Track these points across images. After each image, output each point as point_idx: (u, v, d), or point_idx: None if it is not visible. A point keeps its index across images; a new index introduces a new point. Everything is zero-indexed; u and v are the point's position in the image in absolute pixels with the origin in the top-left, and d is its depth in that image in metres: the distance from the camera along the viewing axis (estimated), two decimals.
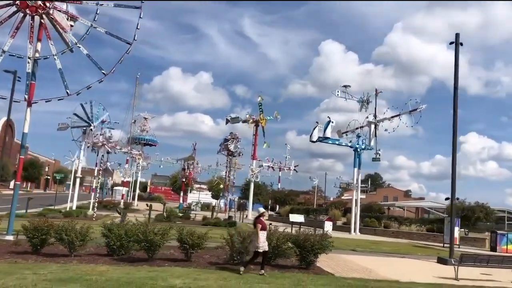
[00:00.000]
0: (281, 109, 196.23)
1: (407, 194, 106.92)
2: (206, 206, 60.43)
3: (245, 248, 12.46)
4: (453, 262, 13.87)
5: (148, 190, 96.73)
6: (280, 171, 68.58)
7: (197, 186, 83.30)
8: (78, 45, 16.06)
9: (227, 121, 48.17)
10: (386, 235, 33.62)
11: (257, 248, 11.31)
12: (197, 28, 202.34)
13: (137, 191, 62.46)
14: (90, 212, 30.11)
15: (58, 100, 15.29)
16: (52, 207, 33.82)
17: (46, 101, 15.24)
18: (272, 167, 69.38)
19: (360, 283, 11.50)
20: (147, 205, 26.20)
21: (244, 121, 48.10)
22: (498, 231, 28.44)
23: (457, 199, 22.64)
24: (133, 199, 62.54)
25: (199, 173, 68.75)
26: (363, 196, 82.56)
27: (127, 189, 65.21)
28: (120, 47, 17.36)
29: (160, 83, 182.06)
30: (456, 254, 17.07)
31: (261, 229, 11.43)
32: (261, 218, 11.69)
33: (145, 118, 60.15)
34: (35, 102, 15.04)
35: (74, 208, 33.36)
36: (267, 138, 50.88)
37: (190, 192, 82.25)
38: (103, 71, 15.91)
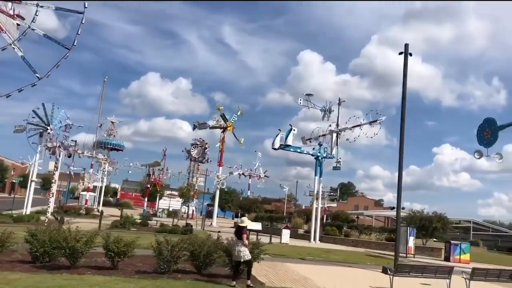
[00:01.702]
0: (259, 117, 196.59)
1: (378, 204, 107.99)
2: (174, 213, 59.72)
3: (173, 257, 12.18)
4: (388, 272, 13.78)
5: (118, 195, 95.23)
6: (250, 178, 68.42)
7: (169, 192, 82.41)
8: (13, 46, 15.56)
9: (194, 127, 47.74)
10: (345, 243, 33.65)
11: (242, 258, 11.35)
12: (177, 34, 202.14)
13: (103, 196, 61.05)
14: (43, 217, 29.21)
15: None
16: (9, 212, 32.79)
17: None
18: (244, 174, 69.26)
19: None
20: (98, 210, 25.60)
21: (212, 127, 47.72)
22: (452, 241, 28.74)
23: (403, 208, 22.80)
24: (99, 204, 61.34)
25: (169, 179, 68.18)
26: (334, 205, 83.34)
27: (94, 194, 64.00)
28: (96, 49, 17.04)
29: (138, 88, 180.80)
30: (405, 263, 17.02)
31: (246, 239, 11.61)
32: (245, 228, 11.76)
33: (112, 122, 59.15)
34: None
35: (28, 212, 32.41)
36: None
37: (161, 198, 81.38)
38: (37, 75, 15.48)
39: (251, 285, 11.32)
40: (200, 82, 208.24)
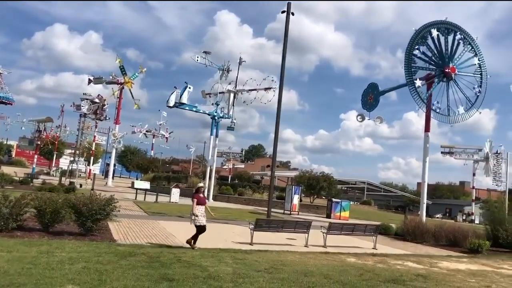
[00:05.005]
0: (174, 76, 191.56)
1: (285, 165, 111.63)
2: (71, 172, 56.91)
3: (11, 214, 11.33)
4: (250, 227, 14.06)
5: (13, 153, 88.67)
6: (154, 138, 67.20)
7: (70, 151, 78.35)
8: None
9: (90, 81, 44.88)
10: (238, 202, 34.35)
11: (199, 222, 11.45)
12: None
13: None
14: None
15: None
16: None
17: None
18: (149, 132, 67.89)
19: (131, 249, 10.96)
20: None
21: (108, 83, 45.31)
22: (333, 199, 30.36)
23: (282, 165, 23.43)
24: None
25: (67, 136, 64.83)
26: (242, 166, 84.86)
27: None
28: None
29: (43, 39, 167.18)
30: (265, 219, 17.53)
31: (197, 204, 11.53)
32: (199, 193, 11.70)
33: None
34: None
35: None
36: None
37: (61, 157, 77.13)
38: None
39: (193, 246, 11.52)
40: (112, 37, 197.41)
